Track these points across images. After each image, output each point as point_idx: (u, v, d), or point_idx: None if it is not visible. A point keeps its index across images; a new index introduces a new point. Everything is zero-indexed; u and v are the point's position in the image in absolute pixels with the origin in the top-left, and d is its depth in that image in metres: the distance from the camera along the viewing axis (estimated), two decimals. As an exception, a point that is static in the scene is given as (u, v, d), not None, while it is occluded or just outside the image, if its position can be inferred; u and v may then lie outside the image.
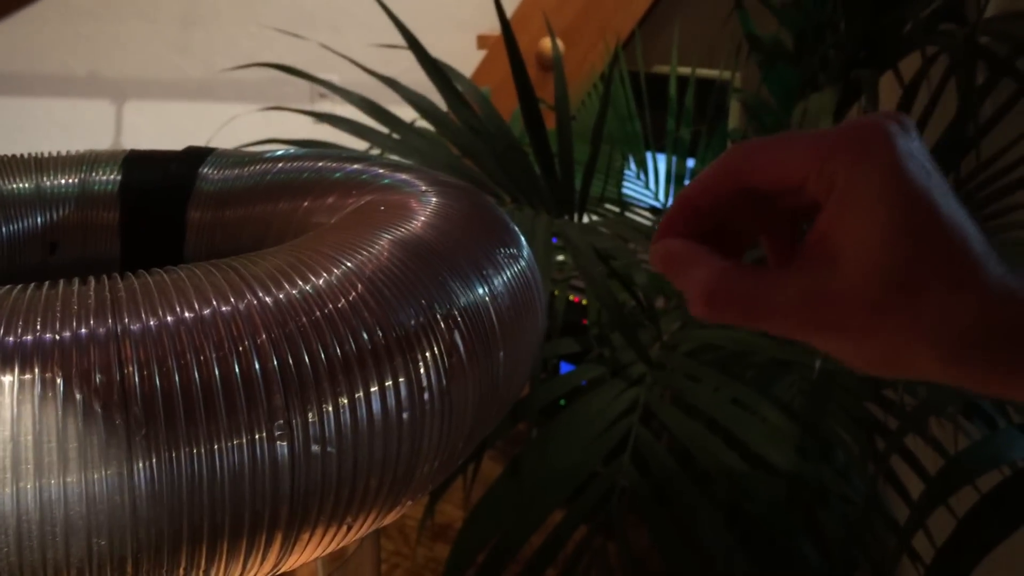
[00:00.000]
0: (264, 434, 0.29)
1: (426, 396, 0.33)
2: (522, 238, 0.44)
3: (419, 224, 0.39)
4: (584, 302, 1.84)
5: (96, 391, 0.27)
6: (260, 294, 0.32)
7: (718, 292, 0.37)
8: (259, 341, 0.30)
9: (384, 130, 1.24)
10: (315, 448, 0.30)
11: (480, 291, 0.38)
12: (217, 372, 0.29)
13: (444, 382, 0.34)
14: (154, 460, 0.28)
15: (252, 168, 0.53)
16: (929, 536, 0.88)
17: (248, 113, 1.49)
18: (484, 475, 1.13)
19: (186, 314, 0.30)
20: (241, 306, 0.31)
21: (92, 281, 0.32)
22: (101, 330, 0.29)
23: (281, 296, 0.32)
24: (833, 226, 0.36)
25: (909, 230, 0.34)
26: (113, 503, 0.28)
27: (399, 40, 1.22)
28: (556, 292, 1.27)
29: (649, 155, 1.66)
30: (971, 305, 0.34)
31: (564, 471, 0.97)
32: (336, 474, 0.31)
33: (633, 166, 1.68)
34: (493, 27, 2.61)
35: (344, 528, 0.33)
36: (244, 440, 0.29)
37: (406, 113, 1.27)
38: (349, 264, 0.35)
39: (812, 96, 1.21)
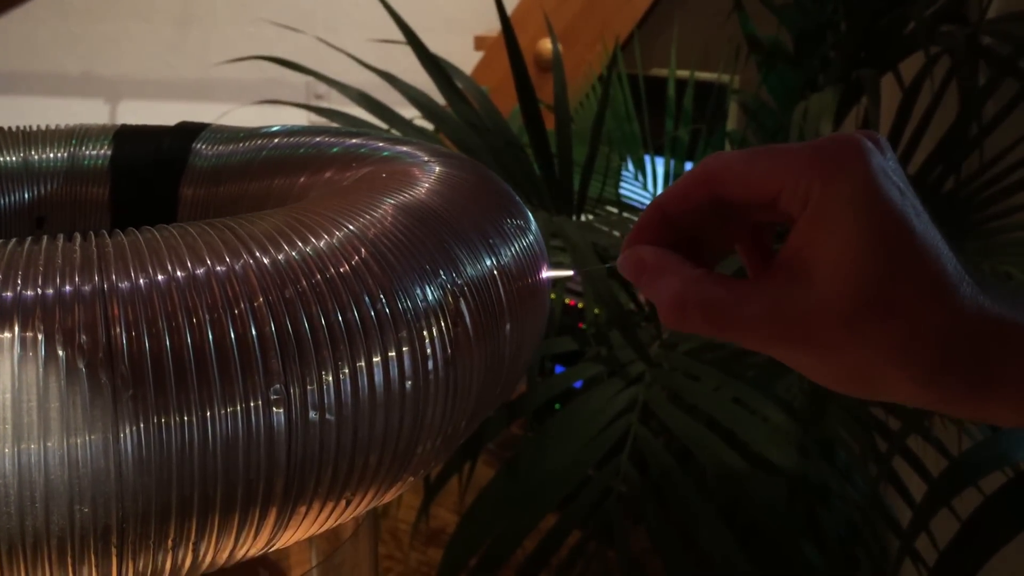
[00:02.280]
0: (260, 401, 0.28)
1: (430, 366, 0.32)
2: (528, 212, 0.42)
3: (423, 191, 0.37)
4: (580, 305, 1.83)
5: (80, 350, 0.25)
6: (258, 254, 0.30)
7: (688, 301, 0.36)
8: (256, 304, 0.28)
9: (383, 126, 1.23)
10: (313, 416, 0.28)
11: (487, 261, 0.36)
12: (210, 335, 0.27)
13: (449, 352, 0.32)
14: (142, 425, 0.26)
15: (247, 144, 0.51)
16: (932, 538, 0.87)
17: (242, 108, 1.48)
18: (477, 479, 1.11)
19: (178, 273, 0.28)
20: (237, 266, 0.29)
21: (78, 237, 0.30)
22: (87, 287, 0.27)
23: (280, 257, 0.30)
24: (806, 241, 0.35)
25: (882, 248, 0.34)
26: (97, 469, 0.26)
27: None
28: (553, 295, 1.26)
29: (648, 157, 1.65)
30: (943, 325, 0.34)
31: (560, 472, 0.95)
32: (335, 445, 0.30)
33: (631, 167, 1.67)
34: (490, 28, 2.61)
35: (342, 503, 0.31)
36: (238, 407, 0.27)
37: (405, 114, 1.26)
38: (351, 227, 0.33)
39: (812, 96, 1.21)
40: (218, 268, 0.29)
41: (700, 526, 0.91)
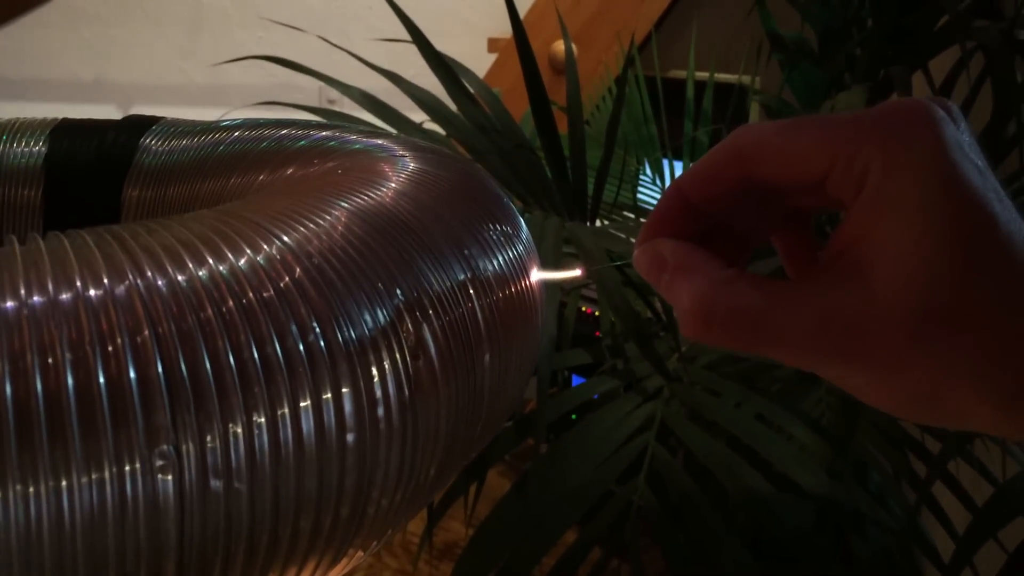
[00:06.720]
0: (138, 465, 0.21)
1: (380, 412, 0.25)
2: (520, 218, 0.35)
3: (388, 192, 0.30)
4: (596, 313, 1.77)
5: None
6: (149, 274, 0.23)
7: (716, 307, 0.30)
8: (139, 338, 0.22)
9: (391, 131, 1.18)
10: (216, 484, 0.22)
11: (460, 276, 0.29)
12: (70, 379, 0.21)
13: (407, 393, 0.25)
14: (-32, 502, 0.20)
15: (203, 138, 0.44)
16: (974, 569, 0.81)
17: (249, 110, 1.43)
18: (492, 491, 1.06)
19: (33, 298, 0.21)
20: (119, 290, 0.22)
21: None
22: None
23: (181, 278, 0.23)
24: (862, 233, 0.29)
25: (958, 241, 0.27)
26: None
27: (408, 46, 1.17)
28: (567, 304, 1.21)
29: (666, 161, 1.61)
30: None
31: (576, 489, 0.90)
32: (248, 515, 0.23)
33: (648, 171, 1.62)
34: (504, 30, 2.56)
35: (266, 588, 0.25)
36: (107, 473, 0.21)
37: (416, 119, 1.21)
38: (286, 239, 0.26)
39: (840, 95, 1.16)
40: (91, 292, 0.22)
41: (721, 551, 0.86)
